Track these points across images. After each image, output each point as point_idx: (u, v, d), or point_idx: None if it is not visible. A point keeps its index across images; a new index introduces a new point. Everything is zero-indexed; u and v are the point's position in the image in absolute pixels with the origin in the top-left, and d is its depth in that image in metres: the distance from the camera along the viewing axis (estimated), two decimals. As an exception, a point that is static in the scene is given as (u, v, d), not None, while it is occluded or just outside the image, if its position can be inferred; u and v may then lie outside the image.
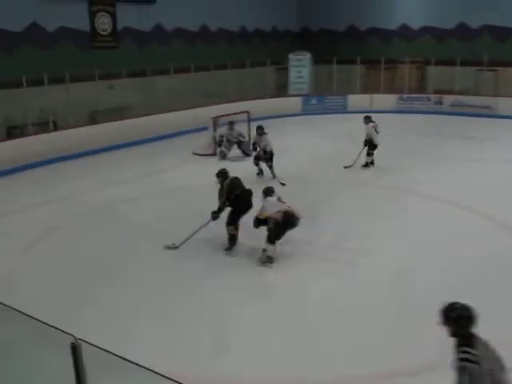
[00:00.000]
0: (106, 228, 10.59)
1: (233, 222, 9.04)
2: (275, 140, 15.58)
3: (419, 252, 8.99)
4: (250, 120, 17.46)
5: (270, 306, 7.41)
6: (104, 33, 19.55)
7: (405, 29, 26.25)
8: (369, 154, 14.48)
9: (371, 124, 14.30)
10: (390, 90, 24.83)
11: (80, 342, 3.66)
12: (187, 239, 9.32)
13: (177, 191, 12.88)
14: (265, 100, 23.20)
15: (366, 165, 14.57)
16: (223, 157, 16.07)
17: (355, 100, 24.23)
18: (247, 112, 17.61)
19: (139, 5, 20.38)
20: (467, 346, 3.98)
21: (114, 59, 19.30)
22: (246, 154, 16.18)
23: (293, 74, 25.26)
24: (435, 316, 4.19)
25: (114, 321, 7.08)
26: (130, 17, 20.19)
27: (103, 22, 19.45)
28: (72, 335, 3.69)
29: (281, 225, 8.46)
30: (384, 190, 12.62)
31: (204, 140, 16.88)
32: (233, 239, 9.07)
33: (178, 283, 8.12)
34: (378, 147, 14.35)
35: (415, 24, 25.91)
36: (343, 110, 24.15)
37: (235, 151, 16.36)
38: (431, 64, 24.06)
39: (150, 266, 8.78)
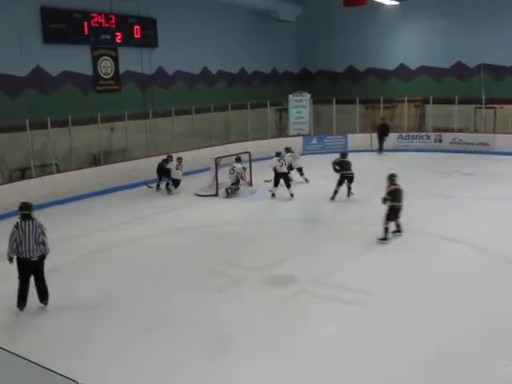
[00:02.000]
0: (107, 269, 10.59)
1: None
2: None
3: (423, 293, 8.99)
4: (251, 160, 17.63)
5: (278, 348, 7.37)
6: (106, 76, 19.87)
7: (402, 69, 26.67)
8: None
9: (289, 154, 17.35)
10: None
11: (83, 387, 3.66)
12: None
13: (177, 232, 12.93)
14: (265, 140, 23.43)
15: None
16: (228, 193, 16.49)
17: (355, 139, 24.48)
18: (249, 152, 17.77)
19: (141, 49, 20.77)
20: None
21: (116, 102, 19.59)
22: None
23: (293, 114, 25.54)
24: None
25: (115, 362, 7.04)
26: (132, 60, 20.56)
27: (106, 66, 19.79)
28: (75, 381, 3.70)
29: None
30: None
31: (206, 181, 16.99)
32: None
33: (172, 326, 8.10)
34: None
35: (412, 64, 26.33)
36: (343, 149, 24.28)
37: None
38: (429, 103, 24.37)
39: (146, 307, 8.73)
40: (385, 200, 11.66)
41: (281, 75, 28.46)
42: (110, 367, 6.94)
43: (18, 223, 8.45)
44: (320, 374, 6.67)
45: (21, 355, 4.68)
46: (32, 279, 8.60)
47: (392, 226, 11.75)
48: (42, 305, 8.65)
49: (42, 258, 8.57)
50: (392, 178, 11.85)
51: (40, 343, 7.56)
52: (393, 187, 11.68)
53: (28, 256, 8.37)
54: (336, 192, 15.03)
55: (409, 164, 21.23)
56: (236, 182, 16.60)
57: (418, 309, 8.30)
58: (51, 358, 6.36)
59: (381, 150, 23.68)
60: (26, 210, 8.61)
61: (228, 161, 17.32)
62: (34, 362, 4.42)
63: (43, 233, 8.56)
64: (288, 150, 17.78)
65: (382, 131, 23.80)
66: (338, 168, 15.05)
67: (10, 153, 16.23)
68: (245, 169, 16.83)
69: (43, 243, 8.52)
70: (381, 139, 23.75)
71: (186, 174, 19.00)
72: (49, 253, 8.61)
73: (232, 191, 16.36)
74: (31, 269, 8.52)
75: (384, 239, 11.48)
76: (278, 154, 16.36)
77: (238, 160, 16.87)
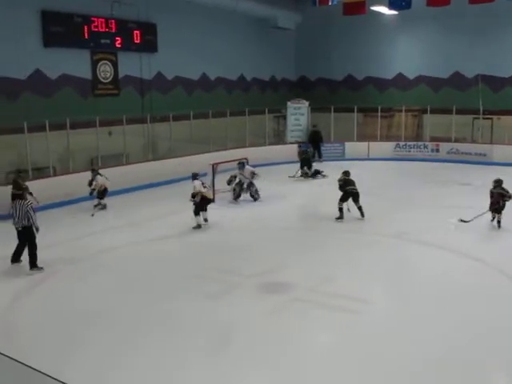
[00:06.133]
0: (103, 273, 10.57)
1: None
2: (272, 188, 15.80)
3: (420, 302, 9.00)
4: (248, 167, 17.66)
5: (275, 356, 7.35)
6: (105, 80, 19.88)
7: (401, 78, 26.77)
8: None
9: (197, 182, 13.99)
10: (386, 137, 25.25)
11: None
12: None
13: (172, 238, 12.90)
14: (263, 147, 23.45)
15: None
16: (236, 197, 16.46)
17: (353, 147, 24.53)
18: (246, 159, 17.77)
19: (140, 53, 20.80)
20: None
21: (114, 106, 19.60)
22: (254, 199, 16.39)
23: (291, 121, 25.58)
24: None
25: (110, 367, 7.03)
26: (131, 65, 20.57)
27: (105, 70, 19.80)
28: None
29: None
30: (380, 238, 12.67)
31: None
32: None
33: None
34: None
35: (411, 73, 26.44)
36: (341, 157, 24.38)
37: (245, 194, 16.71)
38: (427, 112, 24.43)
39: (141, 313, 8.72)
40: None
41: (279, 82, 28.52)
42: (106, 372, 6.93)
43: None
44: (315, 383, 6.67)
45: (15, 358, 4.66)
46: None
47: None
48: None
49: (25, 228, 10.37)
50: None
51: (35, 347, 7.54)
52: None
53: (15, 226, 10.49)
54: (341, 210, 14.20)
55: (406, 173, 21.29)
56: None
57: (414, 318, 8.31)
58: (47, 363, 6.35)
59: (320, 156, 23.91)
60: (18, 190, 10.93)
61: (225, 167, 17.35)
62: (28, 366, 4.41)
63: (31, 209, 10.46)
64: (195, 176, 14.24)
65: (314, 138, 24.20)
66: (341, 184, 14.27)
67: (7, 155, 16.19)
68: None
69: (28, 218, 10.36)
70: (316, 146, 24.07)
71: (182, 179, 19.06)
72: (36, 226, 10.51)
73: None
74: (19, 236, 10.53)
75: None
76: (196, 176, 14.10)
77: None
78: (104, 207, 15.66)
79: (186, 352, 7.37)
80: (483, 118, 23.79)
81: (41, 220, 14.38)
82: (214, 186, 16.46)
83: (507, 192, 12.75)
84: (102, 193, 15.71)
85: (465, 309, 8.62)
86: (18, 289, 9.65)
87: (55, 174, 17.04)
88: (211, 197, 14.29)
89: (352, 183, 14.22)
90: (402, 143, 24.69)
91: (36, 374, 4.28)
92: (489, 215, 13.14)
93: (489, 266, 10.48)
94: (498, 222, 12.90)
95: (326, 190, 16.55)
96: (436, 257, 11.29)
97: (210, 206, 14.25)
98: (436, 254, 11.40)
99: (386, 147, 24.50)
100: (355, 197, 14.15)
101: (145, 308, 8.87)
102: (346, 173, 14.53)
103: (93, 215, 14.99)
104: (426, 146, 24.38)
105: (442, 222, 13.72)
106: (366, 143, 24.64)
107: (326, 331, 8.07)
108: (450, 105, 23.43)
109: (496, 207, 12.84)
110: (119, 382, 6.72)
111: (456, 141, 23.85)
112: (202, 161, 18.51)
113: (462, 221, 13.26)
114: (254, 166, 17.41)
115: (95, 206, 15.61)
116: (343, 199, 14.18)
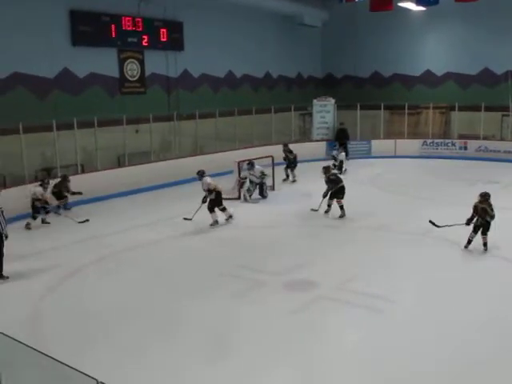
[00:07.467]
0: (127, 271, 10.69)
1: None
2: (299, 185, 15.65)
3: (442, 302, 8.91)
4: (274, 164, 17.65)
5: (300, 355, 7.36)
6: (132, 79, 20.07)
7: (428, 75, 26.48)
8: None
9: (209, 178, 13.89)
10: (413, 135, 25.02)
11: (102, 385, 3.72)
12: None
13: (198, 235, 12.99)
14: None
15: None
16: (246, 199, 16.36)
17: (379, 145, 24.36)
18: (272, 156, 17.79)
19: (167, 52, 20.94)
20: None
21: (141, 104, 19.79)
22: (263, 196, 16.39)
23: (317, 119, 25.50)
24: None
25: (133, 363, 7.10)
26: (157, 63, 20.73)
27: (132, 69, 20.00)
28: (95, 379, 3.75)
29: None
30: (405, 236, 12.59)
31: (229, 184, 17.03)
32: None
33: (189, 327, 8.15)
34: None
35: (438, 70, 26.14)
36: (367, 154, 24.26)
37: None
38: (455, 109, 24.15)
39: (165, 309, 8.80)
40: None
41: (305, 80, 28.45)
42: (126, 366, 7.00)
43: None
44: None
45: (39, 350, 4.76)
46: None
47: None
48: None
49: None
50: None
51: (58, 341, 7.64)
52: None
53: None
54: (342, 207, 14.18)
55: (433, 171, 21.07)
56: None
57: (435, 319, 8.23)
58: (69, 356, 6.45)
59: (346, 155, 22.55)
60: None
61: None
62: (53, 358, 4.49)
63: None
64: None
65: (341, 136, 23.71)
66: (333, 178, 14.23)
67: (37, 153, 16.46)
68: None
69: None
70: (342, 144, 23.04)
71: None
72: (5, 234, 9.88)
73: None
74: None
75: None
76: (203, 173, 13.96)
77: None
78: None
79: (208, 349, 7.42)
80: (513, 115, 23.41)
81: (77, 215, 14.65)
82: (240, 184, 16.53)
83: (492, 210, 10.94)
84: (40, 208, 13.87)
85: (492, 311, 8.50)
86: (43, 286, 9.77)
87: (83, 172, 17.26)
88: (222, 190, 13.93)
89: (341, 179, 14.35)
90: (429, 141, 24.44)
91: (59, 366, 4.36)
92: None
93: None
94: (485, 244, 11.14)
95: (349, 187, 16.48)
96: (460, 256, 11.15)
97: (232, 204, 14.57)
98: (460, 254, 11.25)
99: (413, 145, 24.28)
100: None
101: (168, 305, 8.94)
102: (328, 168, 14.59)
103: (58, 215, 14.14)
104: (453, 144, 24.10)
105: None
106: (393, 141, 24.43)
107: (347, 330, 8.03)
108: (478, 102, 23.11)
109: (477, 224, 11.12)
110: (139, 378, 6.78)
111: (484, 138, 23.52)
112: (228, 158, 18.59)
113: (431, 222, 12.08)
114: (280, 164, 17.41)
115: (27, 224, 13.72)
116: (341, 196, 14.14)
